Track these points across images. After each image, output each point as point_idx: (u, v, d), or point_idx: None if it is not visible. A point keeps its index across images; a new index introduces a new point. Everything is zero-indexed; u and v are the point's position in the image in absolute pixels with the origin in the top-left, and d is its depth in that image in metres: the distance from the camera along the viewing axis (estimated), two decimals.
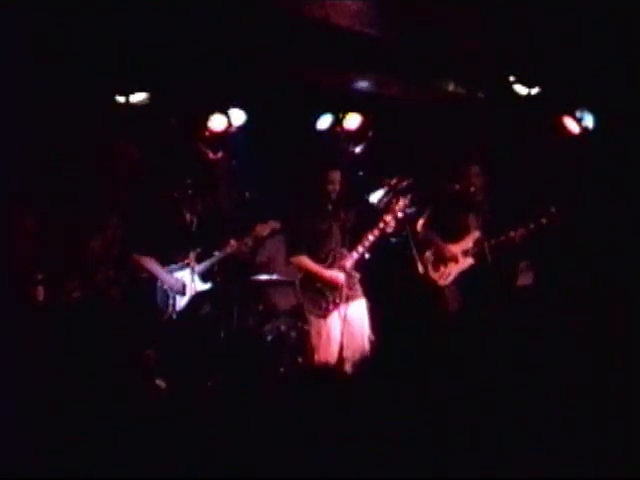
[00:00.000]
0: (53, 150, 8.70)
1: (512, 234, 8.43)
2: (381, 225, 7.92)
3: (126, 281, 8.52)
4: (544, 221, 8.42)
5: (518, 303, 8.62)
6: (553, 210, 8.38)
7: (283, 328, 8.71)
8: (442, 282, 8.65)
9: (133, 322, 8.28)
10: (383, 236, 7.97)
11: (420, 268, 8.15)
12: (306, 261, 7.98)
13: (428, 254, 8.69)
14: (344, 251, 8.00)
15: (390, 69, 8.95)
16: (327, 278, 7.92)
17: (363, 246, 7.96)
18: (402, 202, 7.96)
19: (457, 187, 8.78)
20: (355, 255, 7.97)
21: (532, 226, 8.46)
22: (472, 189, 8.66)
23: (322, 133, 9.69)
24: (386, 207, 8.02)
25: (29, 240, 8.22)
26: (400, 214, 7.93)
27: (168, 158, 9.18)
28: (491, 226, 8.56)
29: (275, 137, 9.38)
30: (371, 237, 7.94)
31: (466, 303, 8.52)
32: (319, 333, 7.88)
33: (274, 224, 8.53)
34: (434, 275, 8.64)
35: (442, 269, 8.69)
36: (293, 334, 8.70)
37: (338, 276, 7.89)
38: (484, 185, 8.67)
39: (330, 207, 8.02)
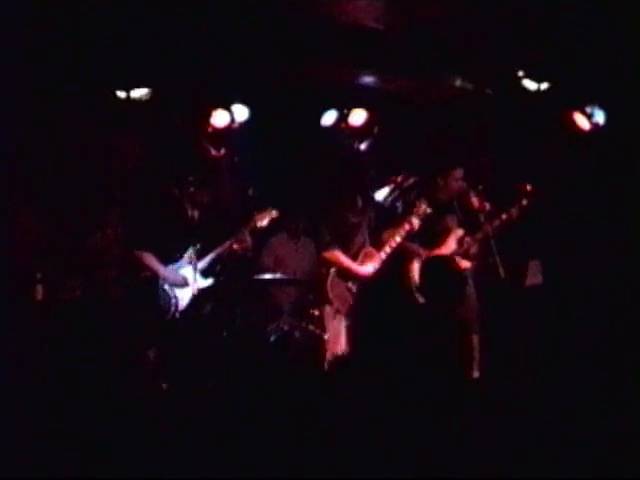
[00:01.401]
0: (53, 146, 8.71)
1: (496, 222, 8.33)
2: (407, 226, 8.06)
3: (128, 281, 8.55)
4: (524, 202, 8.35)
5: (527, 303, 8.68)
6: (529, 188, 8.33)
7: (286, 328, 8.65)
8: None
9: (135, 322, 8.28)
10: (408, 238, 8.09)
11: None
12: (341, 256, 8.11)
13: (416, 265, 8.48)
14: (372, 249, 8.14)
15: (396, 64, 8.88)
16: (361, 276, 8.02)
17: (390, 247, 8.11)
18: (424, 204, 8.07)
19: (438, 189, 8.70)
20: (383, 255, 8.12)
21: (509, 212, 8.36)
22: (447, 192, 8.55)
23: (327, 129, 9.64)
24: (407, 209, 8.16)
25: (28, 238, 8.30)
26: (423, 216, 8.04)
27: (170, 154, 9.18)
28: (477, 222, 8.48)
29: (279, 133, 9.37)
30: (398, 238, 8.09)
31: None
32: (337, 331, 8.07)
33: (273, 213, 8.53)
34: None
35: None
36: (297, 334, 8.64)
37: (369, 273, 7.99)
38: (463, 190, 8.50)
39: (361, 202, 8.15)
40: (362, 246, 8.30)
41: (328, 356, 8.06)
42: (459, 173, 8.51)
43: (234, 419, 5.56)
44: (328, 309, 8.41)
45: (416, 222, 8.09)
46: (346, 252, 8.26)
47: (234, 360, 8.21)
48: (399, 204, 8.57)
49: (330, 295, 8.31)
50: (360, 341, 8.07)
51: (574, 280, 8.81)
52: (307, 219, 9.04)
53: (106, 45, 8.14)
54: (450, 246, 8.45)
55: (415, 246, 8.46)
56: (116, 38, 8.10)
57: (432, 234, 8.51)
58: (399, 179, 8.59)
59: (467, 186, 8.41)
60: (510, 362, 7.40)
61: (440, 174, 8.54)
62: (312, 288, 8.74)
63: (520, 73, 8.89)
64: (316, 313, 8.56)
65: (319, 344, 8.44)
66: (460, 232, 8.43)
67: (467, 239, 8.34)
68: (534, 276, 8.99)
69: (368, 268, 8.14)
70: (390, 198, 8.58)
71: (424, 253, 8.37)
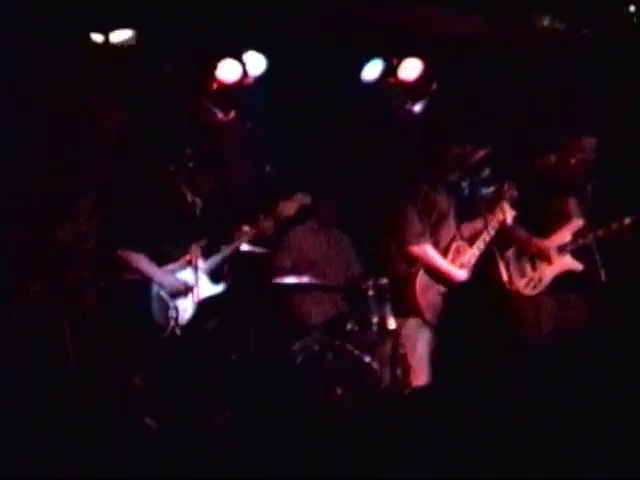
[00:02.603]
0: (5, 107, 7.82)
1: (626, 221, 7.74)
2: (500, 215, 7.72)
3: (106, 284, 7.87)
4: None
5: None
6: None
7: (316, 348, 7.72)
8: (528, 291, 7.88)
9: (115, 339, 7.63)
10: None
11: (504, 274, 7.91)
12: (433, 254, 7.73)
13: (508, 254, 8.05)
14: (464, 244, 7.87)
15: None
16: (455, 279, 7.71)
17: (484, 241, 7.76)
18: (511, 188, 7.83)
19: (552, 159, 8.07)
20: (476, 252, 7.78)
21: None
22: (573, 161, 7.94)
23: (369, 85, 8.91)
24: (496, 195, 7.88)
25: None
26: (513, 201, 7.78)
27: (162, 119, 8.52)
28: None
29: (305, 91, 8.70)
30: (492, 231, 7.74)
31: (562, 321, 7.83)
32: (422, 354, 7.62)
33: (303, 198, 7.96)
34: (518, 282, 7.96)
35: (529, 273, 7.93)
36: (329, 356, 7.68)
37: (464, 277, 7.73)
38: (589, 166, 7.99)
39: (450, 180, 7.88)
40: (452, 239, 7.88)
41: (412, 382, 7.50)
42: (592, 142, 7.88)
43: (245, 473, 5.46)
44: (412, 322, 7.77)
45: (508, 210, 7.73)
46: (435, 247, 7.85)
47: (247, 392, 7.51)
48: (483, 188, 8.07)
49: (421, 303, 7.69)
50: (446, 370, 7.67)
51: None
52: (343, 205, 8.49)
53: None
54: (564, 237, 7.88)
55: (522, 232, 7.95)
56: None
57: (544, 217, 7.97)
58: (466, 151, 7.77)
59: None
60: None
61: (563, 141, 7.99)
62: (349, 295, 8.14)
63: (631, 8, 8.15)
64: (355, 329, 7.80)
65: (363, 371, 7.66)
66: (580, 223, 7.86)
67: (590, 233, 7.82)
68: None
69: (463, 272, 7.78)
70: (464, 180, 8.03)
71: (529, 240, 7.93)
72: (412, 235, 7.76)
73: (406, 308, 7.77)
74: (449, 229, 7.84)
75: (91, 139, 8.34)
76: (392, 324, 7.64)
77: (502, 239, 7.95)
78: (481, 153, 7.75)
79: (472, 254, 7.81)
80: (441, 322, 7.80)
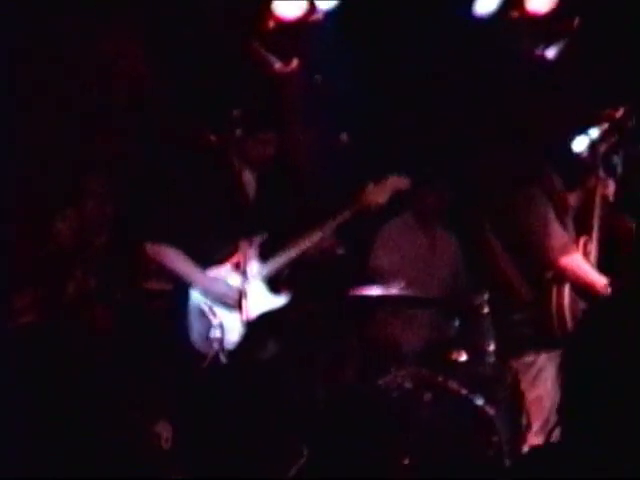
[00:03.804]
0: None
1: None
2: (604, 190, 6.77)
3: (123, 295, 7.17)
4: None
5: None
6: None
7: (409, 385, 6.53)
8: None
9: (135, 371, 6.89)
10: None
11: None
12: (583, 264, 6.69)
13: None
14: (593, 246, 6.84)
15: None
16: (599, 292, 6.63)
17: (596, 229, 6.82)
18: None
19: None
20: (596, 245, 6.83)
21: None
22: None
23: (484, 22, 7.74)
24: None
25: None
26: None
27: (198, 71, 7.57)
28: None
29: (394, 31, 7.68)
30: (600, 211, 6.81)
31: None
32: (541, 388, 6.56)
33: (398, 182, 6.70)
34: None
35: None
36: (427, 396, 6.45)
37: (606, 288, 6.69)
38: None
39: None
40: (588, 241, 6.84)
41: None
42: None
43: None
44: (543, 356, 6.69)
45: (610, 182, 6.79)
46: None
47: (317, 442, 6.59)
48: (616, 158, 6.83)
49: (569, 327, 6.58)
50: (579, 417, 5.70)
51: None
52: (451, 193, 7.37)
53: None
54: None
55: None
56: None
57: None
58: (617, 114, 6.50)
59: None
60: None
61: None
62: (455, 314, 6.95)
63: None
64: (463, 360, 6.72)
65: (474, 419, 6.41)
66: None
67: None
68: None
69: (604, 281, 6.63)
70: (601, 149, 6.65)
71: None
72: (559, 243, 6.56)
73: (538, 335, 6.59)
74: (570, 229, 6.79)
75: (101, 97, 7.57)
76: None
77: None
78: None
79: (595, 249, 6.86)
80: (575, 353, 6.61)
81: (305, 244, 6.52)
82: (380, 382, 6.63)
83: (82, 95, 7.50)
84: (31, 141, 7.20)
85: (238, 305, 6.37)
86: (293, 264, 6.59)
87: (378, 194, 6.58)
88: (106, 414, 6.69)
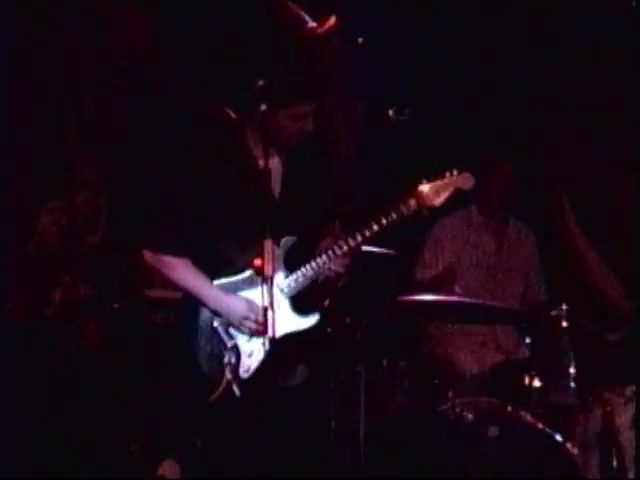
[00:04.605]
0: None
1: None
2: None
3: (121, 307, 6.55)
4: None
5: None
6: None
7: (470, 416, 5.96)
8: None
9: (133, 398, 6.36)
10: None
11: None
12: None
13: None
14: None
15: None
16: None
17: None
18: None
19: None
20: None
21: None
22: None
23: None
24: None
25: None
26: None
27: (215, 32, 6.88)
28: None
29: None
30: None
31: None
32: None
33: (461, 181, 5.76)
34: None
35: None
36: (492, 430, 5.83)
37: None
38: None
39: None
40: None
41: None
42: None
43: None
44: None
45: None
46: None
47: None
48: None
49: None
50: None
51: None
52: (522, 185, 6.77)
53: None
54: None
55: None
56: None
57: None
58: None
59: None
60: None
61: None
62: (528, 328, 6.28)
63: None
64: (538, 386, 5.98)
65: (552, 458, 5.75)
66: None
67: None
68: None
69: None
70: None
71: None
72: None
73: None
74: None
75: (97, 65, 6.85)
76: None
77: None
78: None
79: None
80: None
81: (337, 252, 5.48)
82: (436, 411, 6.05)
83: (75, 60, 6.74)
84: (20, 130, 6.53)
85: (261, 329, 5.41)
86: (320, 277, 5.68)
87: (434, 196, 5.48)
88: (103, 450, 6.15)
